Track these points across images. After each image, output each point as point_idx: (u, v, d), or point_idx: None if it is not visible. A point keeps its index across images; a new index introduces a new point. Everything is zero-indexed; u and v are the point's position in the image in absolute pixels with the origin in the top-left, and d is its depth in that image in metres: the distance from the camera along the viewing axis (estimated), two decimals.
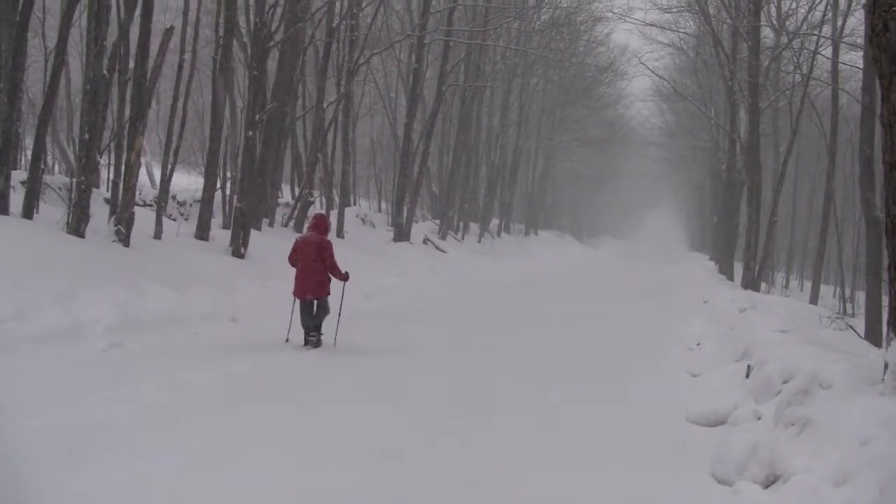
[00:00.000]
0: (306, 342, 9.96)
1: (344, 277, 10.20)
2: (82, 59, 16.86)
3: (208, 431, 5.98)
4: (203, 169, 18.20)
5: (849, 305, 29.15)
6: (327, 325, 10.17)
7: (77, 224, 11.76)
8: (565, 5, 36.03)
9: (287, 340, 10.01)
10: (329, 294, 10.13)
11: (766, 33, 26.44)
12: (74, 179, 12.45)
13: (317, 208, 23.38)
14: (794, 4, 28.37)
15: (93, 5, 12.42)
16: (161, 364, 8.11)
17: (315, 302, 10.10)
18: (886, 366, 5.37)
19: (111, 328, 9.13)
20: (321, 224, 10.38)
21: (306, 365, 9.03)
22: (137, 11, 13.40)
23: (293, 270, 10.22)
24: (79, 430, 5.68)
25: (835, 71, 23.93)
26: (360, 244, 21.61)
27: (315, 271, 9.98)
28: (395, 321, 12.88)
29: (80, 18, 17.60)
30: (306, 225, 20.83)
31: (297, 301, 10.13)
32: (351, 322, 10.57)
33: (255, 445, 5.77)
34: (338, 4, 22.46)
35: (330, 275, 10.10)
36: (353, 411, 7.05)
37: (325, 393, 7.75)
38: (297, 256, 10.12)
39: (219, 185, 17.69)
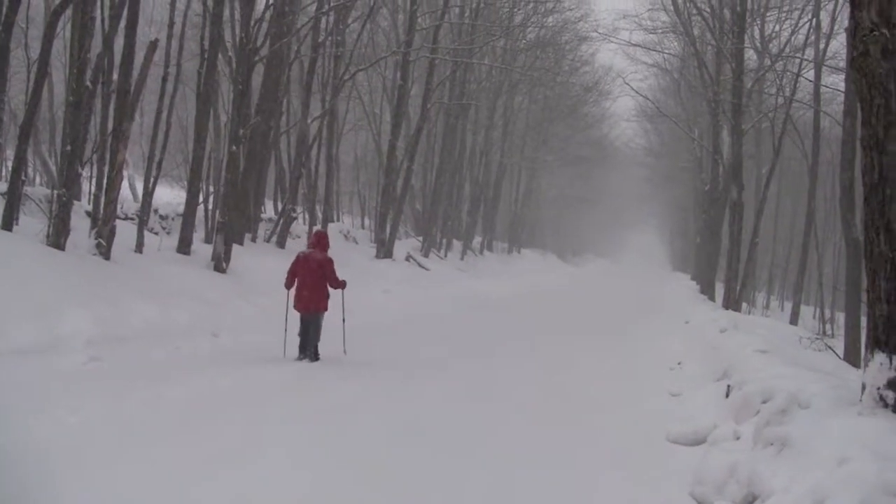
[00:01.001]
0: (301, 355, 10.08)
1: (342, 285, 10.48)
2: (66, 71, 16.81)
3: (187, 446, 5.93)
4: (186, 183, 18.13)
5: (828, 326, 29.34)
6: (326, 337, 10.40)
7: (57, 237, 11.67)
8: (551, 25, 36.24)
9: (284, 355, 10.11)
10: (326, 310, 10.31)
11: (750, 55, 26.67)
12: (55, 191, 12.36)
13: (300, 224, 23.33)
14: (777, 27, 28.72)
15: (77, 17, 12.39)
16: (141, 378, 8.04)
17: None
18: (864, 386, 5.40)
19: (91, 342, 9.05)
20: (323, 241, 10.64)
21: (291, 377, 9.04)
22: (122, 24, 13.38)
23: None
24: (56, 443, 5.61)
25: (817, 93, 24.19)
26: (343, 260, 21.38)
27: (320, 287, 10.26)
28: (380, 337, 12.86)
29: (64, 29, 17.58)
30: (290, 240, 20.88)
31: (298, 315, 10.28)
32: (335, 338, 10.57)
33: (238, 457, 5.73)
34: (324, 20, 22.48)
35: (330, 287, 10.37)
36: (341, 419, 7.05)
37: (312, 404, 7.75)
38: (299, 273, 10.24)
39: (201, 199, 17.61)
